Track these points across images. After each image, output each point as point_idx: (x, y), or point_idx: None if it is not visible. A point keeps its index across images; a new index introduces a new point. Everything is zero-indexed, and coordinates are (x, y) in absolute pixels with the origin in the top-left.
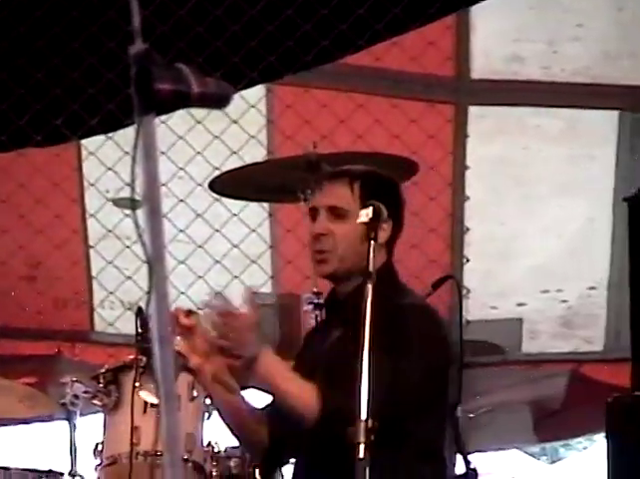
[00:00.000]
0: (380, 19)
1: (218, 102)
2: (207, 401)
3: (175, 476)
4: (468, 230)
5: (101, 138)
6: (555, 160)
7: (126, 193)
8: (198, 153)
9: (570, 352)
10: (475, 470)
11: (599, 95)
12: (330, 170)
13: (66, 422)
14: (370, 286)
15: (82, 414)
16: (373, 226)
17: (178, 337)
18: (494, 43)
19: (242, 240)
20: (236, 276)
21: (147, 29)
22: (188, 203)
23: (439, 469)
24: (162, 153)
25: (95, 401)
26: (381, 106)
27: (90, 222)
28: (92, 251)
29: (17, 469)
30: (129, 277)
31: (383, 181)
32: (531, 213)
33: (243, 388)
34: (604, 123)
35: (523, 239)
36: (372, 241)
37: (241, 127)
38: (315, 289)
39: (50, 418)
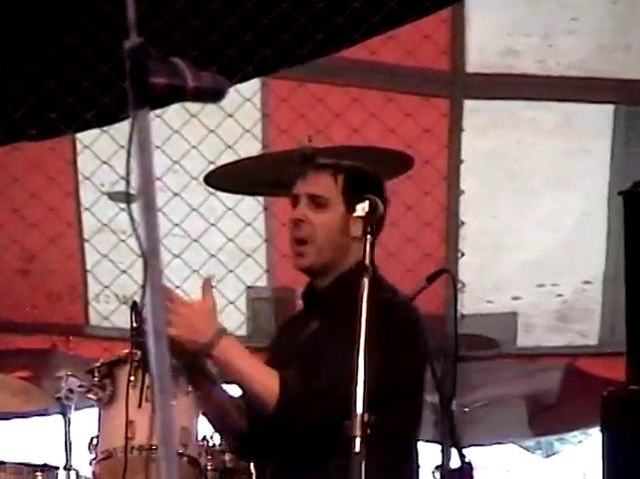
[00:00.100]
0: (375, 12)
1: (213, 96)
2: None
3: (170, 470)
4: (463, 223)
5: (96, 131)
6: (550, 153)
7: (121, 186)
8: (193, 147)
9: (565, 346)
10: (470, 464)
11: (594, 88)
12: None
13: (61, 416)
14: (366, 280)
15: (77, 408)
16: (369, 220)
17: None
18: (490, 37)
19: (237, 234)
20: (231, 270)
21: (142, 23)
22: (183, 196)
23: (409, 465)
24: (157, 147)
25: (90, 395)
26: (376, 100)
27: (85, 215)
28: (87, 245)
29: (12, 463)
30: (124, 271)
31: (367, 177)
32: (527, 206)
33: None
34: (599, 116)
35: (519, 233)
36: (368, 236)
37: (236, 121)
38: None
39: (45, 412)
